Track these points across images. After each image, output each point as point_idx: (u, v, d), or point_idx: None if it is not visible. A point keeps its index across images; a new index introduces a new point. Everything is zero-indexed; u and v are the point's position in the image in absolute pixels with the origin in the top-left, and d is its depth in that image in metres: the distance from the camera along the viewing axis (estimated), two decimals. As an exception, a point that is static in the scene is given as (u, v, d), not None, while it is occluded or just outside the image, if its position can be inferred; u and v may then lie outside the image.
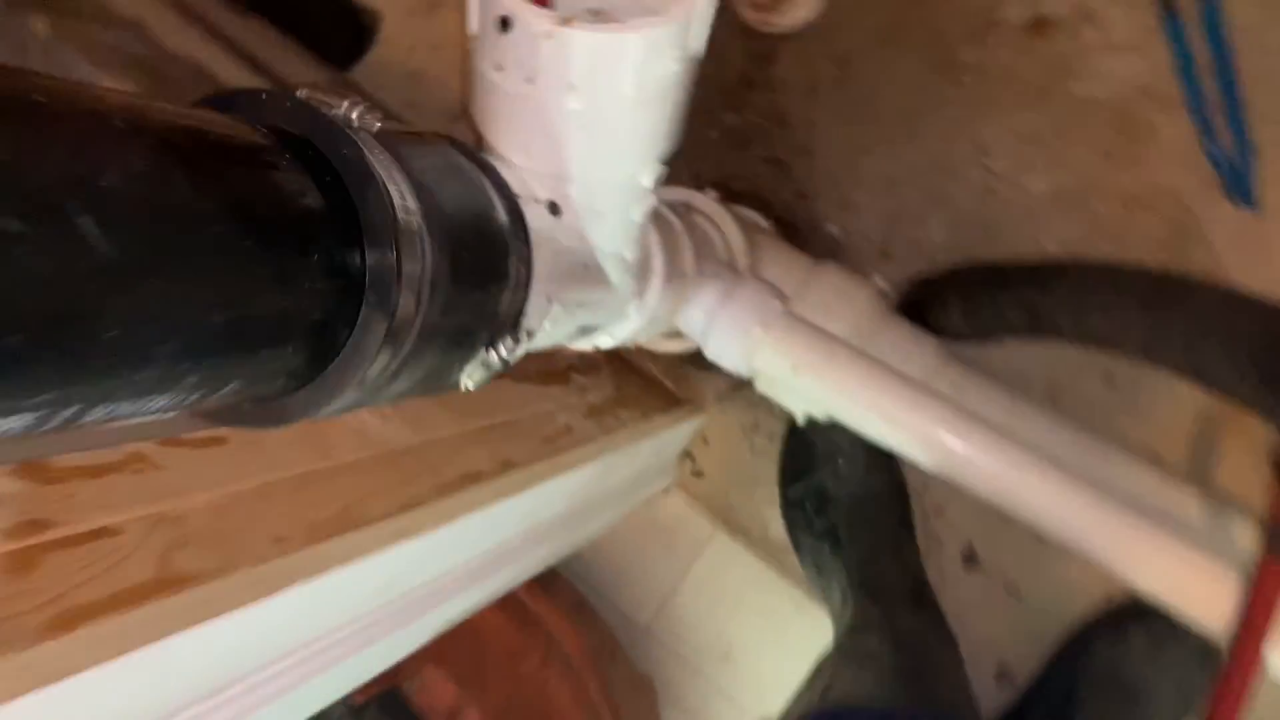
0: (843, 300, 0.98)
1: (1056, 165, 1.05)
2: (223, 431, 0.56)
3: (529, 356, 0.53)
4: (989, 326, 0.96)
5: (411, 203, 0.41)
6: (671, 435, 1.09)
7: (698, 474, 1.22)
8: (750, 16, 1.10)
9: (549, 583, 1.07)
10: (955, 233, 1.10)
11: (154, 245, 0.30)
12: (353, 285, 0.39)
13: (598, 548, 1.21)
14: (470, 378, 0.49)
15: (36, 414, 0.28)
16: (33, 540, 0.43)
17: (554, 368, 0.99)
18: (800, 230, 1.17)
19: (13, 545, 0.42)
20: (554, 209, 0.57)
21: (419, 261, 0.40)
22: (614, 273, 0.65)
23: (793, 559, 1.15)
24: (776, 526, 1.17)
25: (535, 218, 0.54)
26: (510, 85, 0.51)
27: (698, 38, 0.52)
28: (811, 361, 0.84)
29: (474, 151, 0.51)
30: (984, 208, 1.09)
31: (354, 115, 0.40)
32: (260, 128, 0.39)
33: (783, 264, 1.01)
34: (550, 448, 0.81)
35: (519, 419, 0.82)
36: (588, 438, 0.87)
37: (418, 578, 0.65)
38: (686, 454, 1.20)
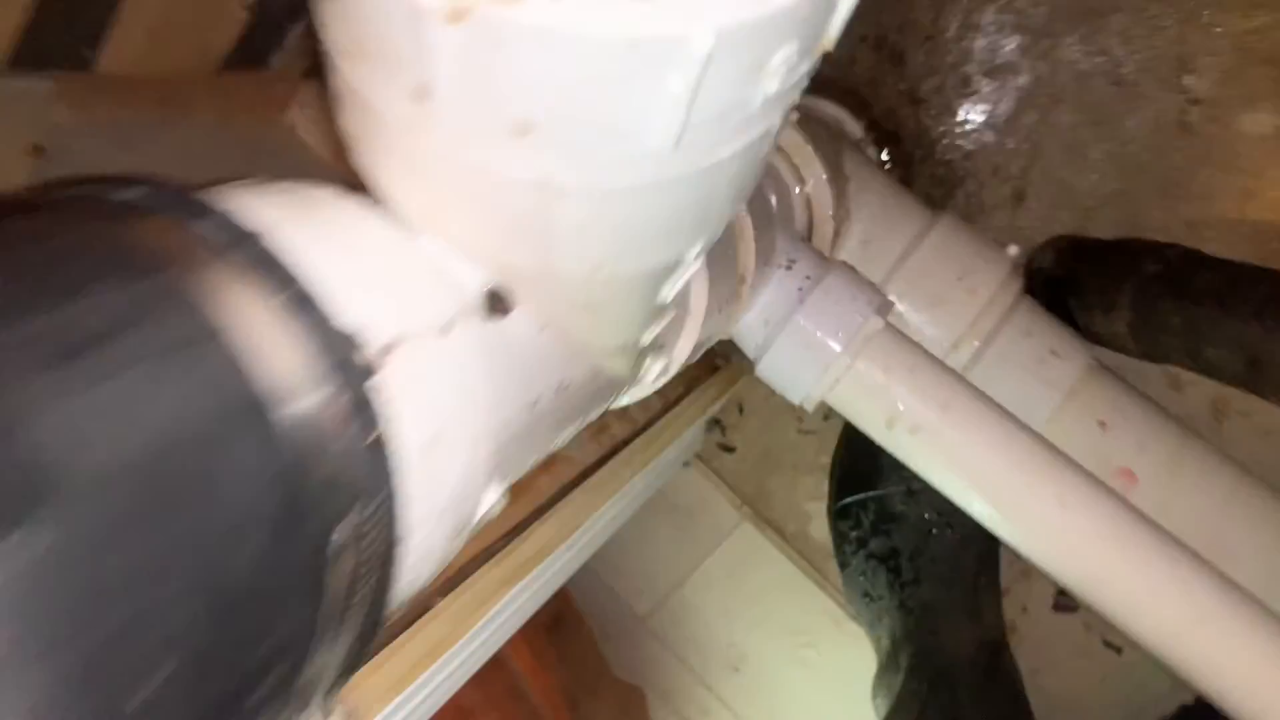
0: (965, 286, 0.68)
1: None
2: None
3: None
4: (1169, 356, 0.66)
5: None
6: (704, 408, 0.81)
7: (726, 448, 0.95)
8: None
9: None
10: (1121, 178, 0.80)
11: None
12: None
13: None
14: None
15: None
16: None
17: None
18: (904, 145, 0.85)
19: None
20: (495, 304, 0.28)
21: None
22: (617, 366, 0.36)
23: (835, 569, 0.90)
24: (820, 526, 0.92)
25: (430, 358, 0.25)
26: (384, 103, 0.21)
27: (836, 25, 0.21)
28: (920, 416, 0.56)
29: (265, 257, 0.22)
30: (1171, 146, 0.77)
31: None
32: None
33: (882, 220, 0.71)
34: (556, 478, 0.55)
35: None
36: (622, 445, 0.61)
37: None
38: (714, 421, 0.93)
